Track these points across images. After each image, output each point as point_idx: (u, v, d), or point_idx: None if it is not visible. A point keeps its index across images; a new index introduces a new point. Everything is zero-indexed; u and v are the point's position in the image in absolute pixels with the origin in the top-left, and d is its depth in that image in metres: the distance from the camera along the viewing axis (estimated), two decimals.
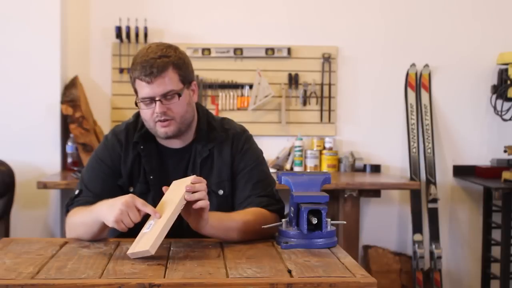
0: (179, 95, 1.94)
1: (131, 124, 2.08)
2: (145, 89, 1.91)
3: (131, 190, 2.02)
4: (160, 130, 1.96)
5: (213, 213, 1.82)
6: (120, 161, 2.03)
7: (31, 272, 1.53)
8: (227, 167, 2.04)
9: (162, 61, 1.90)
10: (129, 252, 1.69)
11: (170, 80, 1.91)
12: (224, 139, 2.06)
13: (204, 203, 1.73)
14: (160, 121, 1.94)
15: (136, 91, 1.96)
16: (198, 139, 2.04)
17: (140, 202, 1.74)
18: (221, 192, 2.03)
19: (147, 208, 1.74)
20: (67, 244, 1.86)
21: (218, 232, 1.84)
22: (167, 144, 2.05)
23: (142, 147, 2.03)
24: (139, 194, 2.00)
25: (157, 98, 1.91)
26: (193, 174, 2.00)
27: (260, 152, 2.13)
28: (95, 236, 1.88)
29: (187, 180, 1.76)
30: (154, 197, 1.99)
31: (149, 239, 1.67)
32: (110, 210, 1.74)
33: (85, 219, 1.88)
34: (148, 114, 1.95)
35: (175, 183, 1.83)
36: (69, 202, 2.03)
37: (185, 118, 1.98)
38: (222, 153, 2.05)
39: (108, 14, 4.04)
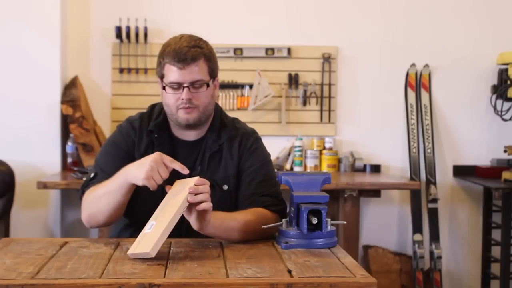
0: (207, 85, 2.00)
1: (145, 114, 2.13)
2: (175, 75, 1.97)
3: None
4: (182, 116, 2.00)
5: (215, 213, 1.82)
6: (134, 147, 2.07)
7: (31, 272, 1.53)
8: (234, 164, 2.07)
9: (196, 50, 1.98)
10: (129, 252, 1.69)
11: (200, 70, 1.98)
12: (234, 136, 2.10)
13: (207, 205, 1.73)
14: (184, 107, 1.98)
15: (162, 77, 2.01)
16: (210, 134, 2.09)
17: (168, 159, 1.79)
18: (225, 187, 2.06)
19: (175, 164, 1.79)
20: (67, 244, 1.86)
21: (219, 232, 1.85)
22: (180, 136, 2.09)
23: (156, 135, 2.07)
24: None
25: (185, 85, 1.97)
26: (201, 167, 2.05)
27: (267, 154, 2.17)
28: (118, 205, 1.89)
29: (191, 181, 1.76)
30: (163, 186, 2.01)
31: (150, 241, 1.66)
32: (140, 169, 1.77)
33: (109, 187, 1.89)
34: (173, 100, 1.99)
35: (178, 183, 1.83)
36: (85, 184, 2.04)
37: (207, 109, 2.04)
38: (231, 149, 2.08)
39: (108, 14, 4.04)
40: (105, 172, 2.02)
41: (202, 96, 2.00)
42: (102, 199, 1.91)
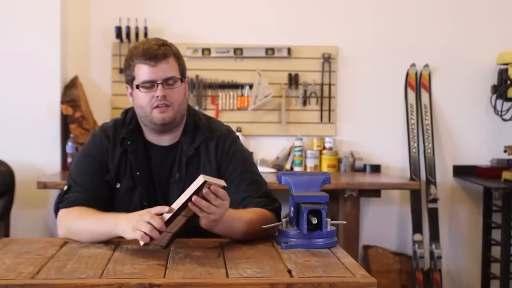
0: (181, 81, 1.98)
1: (119, 121, 2.10)
2: (147, 73, 1.94)
3: (118, 186, 2.03)
4: (157, 115, 1.97)
5: None
6: (108, 157, 2.04)
7: (31, 272, 1.53)
8: (213, 169, 2.03)
9: (166, 48, 1.97)
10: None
11: (171, 67, 1.96)
12: (209, 138, 2.06)
13: (205, 221, 1.72)
14: (158, 106, 1.95)
15: (132, 80, 1.98)
16: (184, 138, 2.05)
17: (156, 209, 1.72)
18: None
19: (160, 209, 1.72)
20: (67, 244, 1.86)
21: (225, 232, 1.84)
22: (154, 141, 2.06)
23: (129, 142, 2.04)
24: (125, 191, 2.03)
25: (159, 82, 1.94)
26: (178, 174, 2.01)
27: (248, 153, 2.13)
28: (101, 240, 1.87)
29: (219, 182, 1.72)
30: (140, 193, 2.01)
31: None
32: (129, 223, 1.73)
33: (94, 228, 1.84)
34: (146, 99, 1.96)
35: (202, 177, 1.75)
36: (58, 199, 2.01)
37: (181, 107, 2.00)
38: (208, 153, 2.05)
39: (108, 14, 4.04)
40: (78, 185, 2.00)
41: (176, 93, 1.97)
42: (84, 233, 1.87)
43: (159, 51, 1.94)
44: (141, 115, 2.01)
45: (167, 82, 1.95)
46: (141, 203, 2.01)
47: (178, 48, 2.04)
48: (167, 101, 1.95)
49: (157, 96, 1.94)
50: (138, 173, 2.02)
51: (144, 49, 1.94)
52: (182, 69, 2.01)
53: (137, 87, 1.96)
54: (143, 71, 1.94)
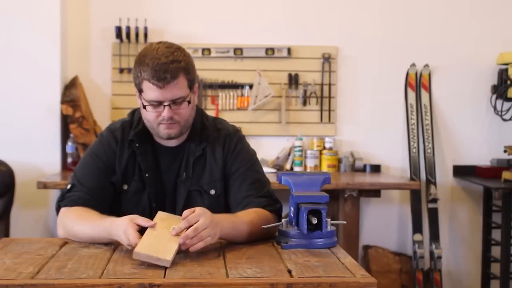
0: (189, 102, 1.95)
1: (126, 123, 2.09)
2: (154, 93, 1.90)
3: (125, 188, 2.03)
4: (163, 131, 1.97)
5: (225, 217, 1.82)
6: (115, 158, 2.03)
7: (31, 272, 1.53)
8: (219, 167, 2.04)
9: (175, 66, 1.88)
10: (140, 251, 1.61)
11: (180, 86, 1.91)
12: (216, 138, 2.06)
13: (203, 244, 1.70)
14: (165, 123, 1.95)
15: (140, 90, 1.94)
16: (192, 139, 2.05)
17: (140, 220, 1.73)
18: (212, 192, 2.03)
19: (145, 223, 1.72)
20: (67, 244, 1.86)
21: (229, 237, 1.83)
22: (161, 142, 2.06)
23: (137, 145, 2.04)
24: (134, 192, 2.03)
25: (166, 103, 1.91)
26: (186, 174, 2.02)
27: (253, 153, 2.13)
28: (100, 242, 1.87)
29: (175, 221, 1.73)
30: (149, 195, 2.02)
31: (169, 248, 1.63)
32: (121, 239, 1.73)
33: (92, 235, 1.84)
34: (153, 116, 1.95)
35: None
36: (60, 197, 2.01)
37: (188, 121, 2.00)
38: (214, 152, 2.05)
39: (108, 14, 4.04)
40: (83, 185, 2.00)
41: (183, 111, 1.95)
42: (81, 238, 1.87)
43: (167, 72, 1.86)
44: (147, 126, 2.01)
45: (174, 102, 1.92)
46: (150, 204, 2.02)
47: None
48: (173, 120, 1.94)
49: (164, 117, 1.92)
50: (147, 174, 2.02)
51: (153, 67, 1.86)
52: (192, 82, 1.96)
53: (144, 106, 1.94)
54: (150, 91, 1.90)
